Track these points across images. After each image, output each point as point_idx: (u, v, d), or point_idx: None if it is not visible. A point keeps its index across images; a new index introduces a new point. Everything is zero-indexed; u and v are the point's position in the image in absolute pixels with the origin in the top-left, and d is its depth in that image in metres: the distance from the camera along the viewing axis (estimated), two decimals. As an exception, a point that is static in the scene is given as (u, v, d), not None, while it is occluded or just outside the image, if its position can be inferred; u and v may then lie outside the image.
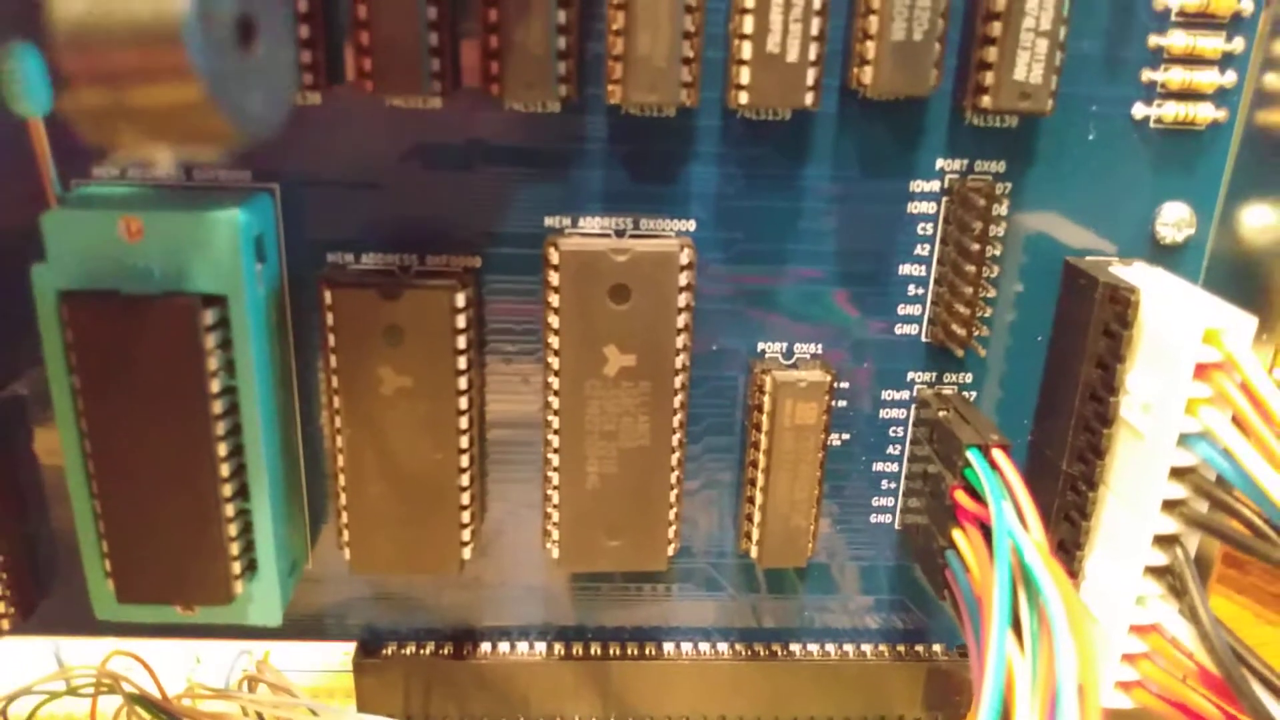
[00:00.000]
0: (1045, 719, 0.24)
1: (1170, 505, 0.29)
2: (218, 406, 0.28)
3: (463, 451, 0.31)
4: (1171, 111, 0.31)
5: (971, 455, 0.30)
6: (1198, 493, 0.28)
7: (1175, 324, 0.28)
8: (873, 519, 0.36)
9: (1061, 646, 0.24)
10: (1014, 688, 0.25)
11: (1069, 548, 0.32)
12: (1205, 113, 0.31)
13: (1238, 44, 0.30)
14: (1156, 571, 0.30)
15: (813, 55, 0.28)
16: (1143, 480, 0.29)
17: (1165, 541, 0.29)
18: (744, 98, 0.28)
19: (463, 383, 0.30)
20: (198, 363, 0.27)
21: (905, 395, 0.34)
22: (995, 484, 0.29)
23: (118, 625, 0.32)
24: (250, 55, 0.18)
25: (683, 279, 0.30)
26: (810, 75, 0.28)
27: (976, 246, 0.30)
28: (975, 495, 0.30)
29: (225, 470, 0.29)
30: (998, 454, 0.30)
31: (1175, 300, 0.29)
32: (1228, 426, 0.27)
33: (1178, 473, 0.28)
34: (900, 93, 0.29)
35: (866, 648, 0.38)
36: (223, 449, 0.28)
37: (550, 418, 0.31)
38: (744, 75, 0.28)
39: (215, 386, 0.28)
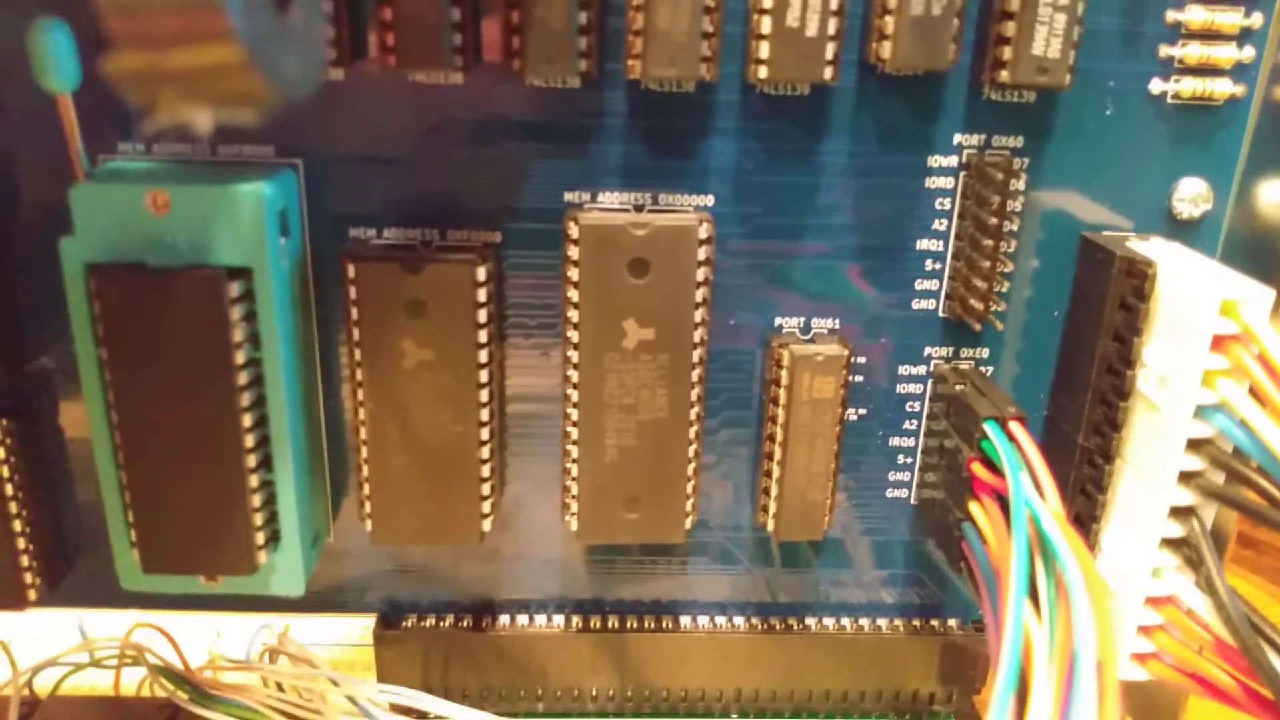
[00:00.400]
0: (1062, 687, 0.24)
1: (1187, 477, 0.29)
2: (242, 378, 0.28)
3: (483, 424, 0.31)
4: (1189, 87, 0.31)
5: (989, 427, 0.30)
6: (1214, 464, 0.29)
7: (1192, 296, 0.28)
8: (889, 494, 0.36)
9: (1080, 613, 0.24)
10: (1032, 657, 0.25)
11: (1085, 521, 0.32)
12: (1223, 88, 0.31)
13: (1256, 19, 0.30)
14: (1172, 544, 0.30)
15: (832, 30, 0.28)
16: (1159, 453, 0.29)
17: (1181, 513, 0.29)
18: (763, 72, 0.28)
19: (483, 356, 0.30)
20: (223, 334, 0.28)
21: (922, 370, 0.34)
22: (1012, 455, 0.29)
23: (141, 597, 0.32)
24: (286, 19, 0.18)
25: (701, 253, 0.30)
26: (829, 50, 0.28)
27: (994, 221, 0.31)
28: (992, 467, 0.30)
29: (250, 441, 0.29)
30: (1014, 426, 0.30)
31: (1192, 273, 0.29)
32: (1245, 398, 0.27)
33: (1194, 445, 0.28)
34: (919, 67, 0.29)
35: (882, 622, 0.38)
36: (247, 420, 0.29)
37: (569, 391, 0.31)
38: (763, 50, 0.28)
39: (240, 358, 0.28)
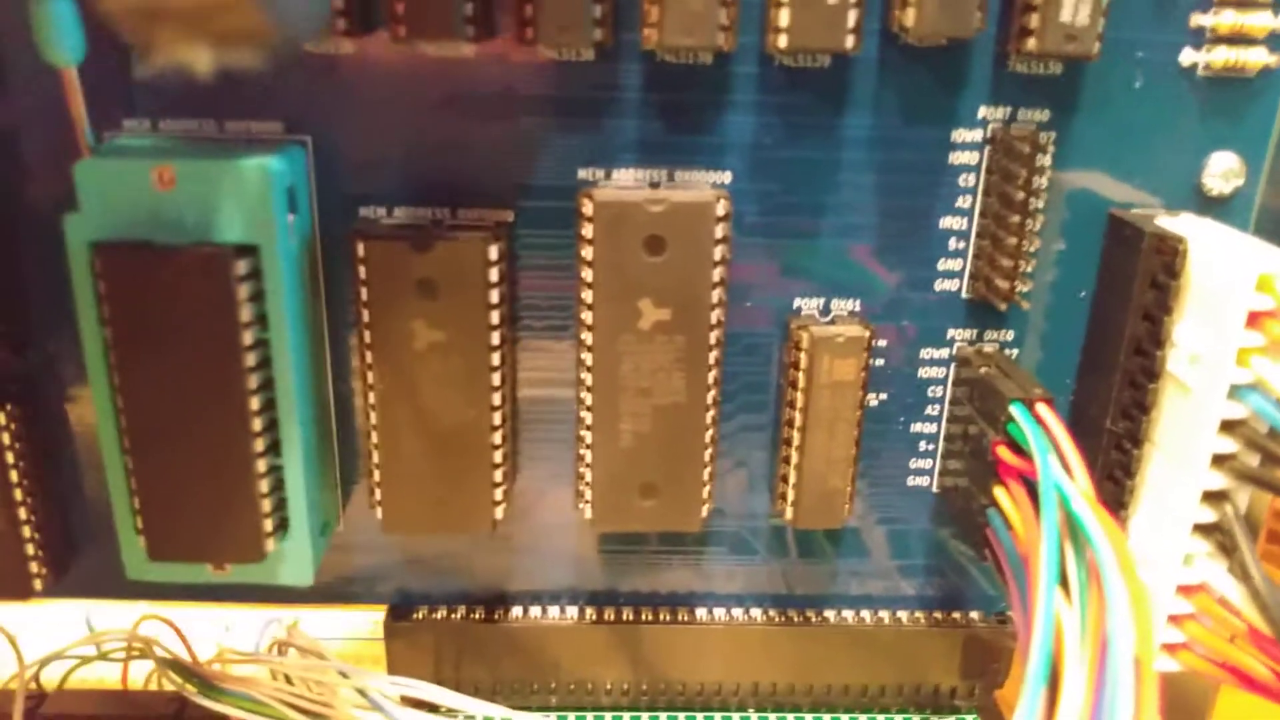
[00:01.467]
0: (1095, 678, 0.23)
1: (1220, 460, 0.28)
2: (250, 359, 0.28)
3: (495, 408, 0.30)
4: (1221, 57, 0.30)
5: (1015, 409, 0.29)
6: (1249, 446, 0.28)
7: (1226, 271, 0.27)
8: (909, 481, 0.35)
9: (1114, 597, 0.23)
10: (1063, 647, 0.24)
11: (1113, 507, 0.31)
12: (1256, 58, 0.30)
13: (1291, -14, 0.29)
14: (1204, 529, 0.29)
15: (854, -4, 0.27)
16: (1191, 435, 0.28)
17: (1214, 498, 0.29)
18: (783, 41, 0.28)
19: (496, 337, 0.30)
20: (230, 314, 0.27)
21: (945, 354, 0.33)
22: (1040, 437, 0.28)
23: (149, 587, 0.31)
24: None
25: (719, 231, 0.29)
26: (851, 18, 0.27)
27: (1021, 196, 0.30)
28: (1018, 451, 0.29)
29: (258, 425, 0.28)
30: (1041, 407, 0.29)
31: (1225, 248, 0.28)
32: (1281, 376, 0.26)
33: (1228, 426, 0.28)
34: (944, 35, 0.28)
35: (902, 614, 0.37)
36: (255, 403, 0.28)
37: (583, 374, 0.31)
38: (783, 17, 0.27)
39: (248, 339, 0.28)
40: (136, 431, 0.28)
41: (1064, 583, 0.25)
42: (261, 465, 0.29)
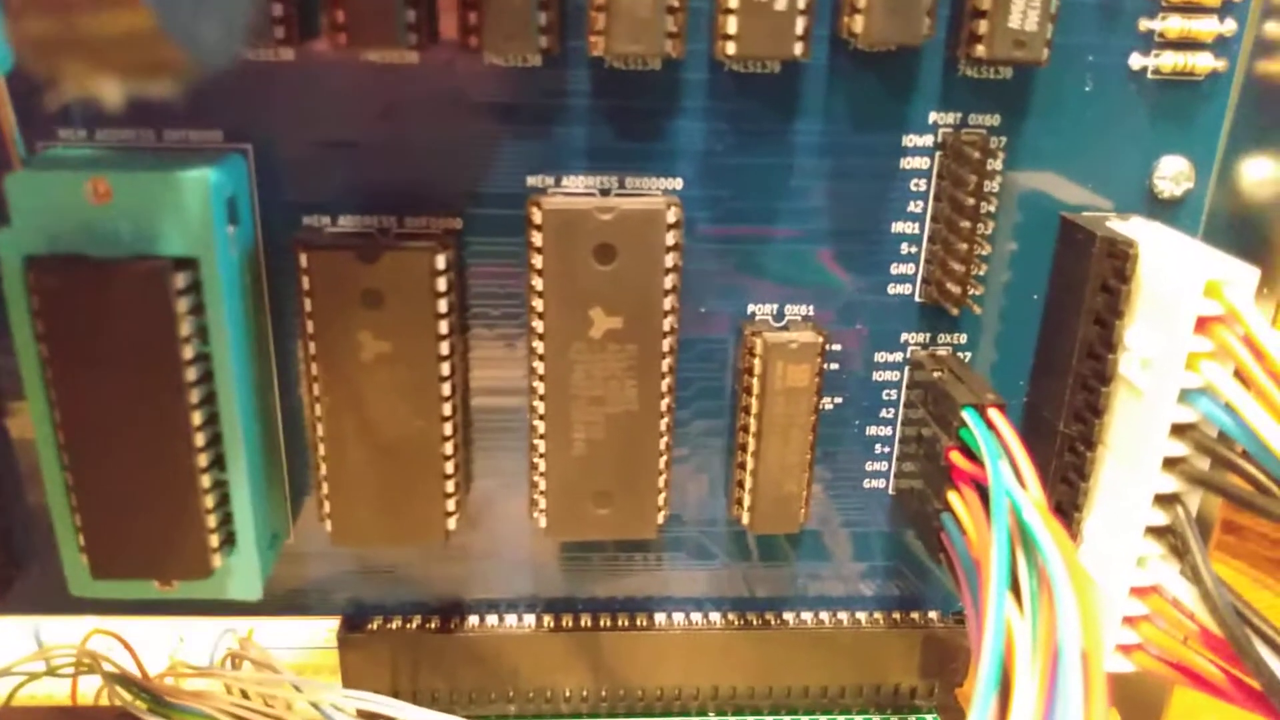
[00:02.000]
0: (1047, 682, 0.23)
1: (1171, 463, 0.28)
2: (191, 373, 0.27)
3: (446, 419, 0.30)
4: (1170, 61, 0.30)
5: (967, 415, 0.29)
6: (1199, 450, 0.28)
7: (1175, 277, 0.27)
8: (866, 484, 0.35)
9: (1063, 606, 0.23)
10: (1014, 650, 0.24)
11: (1067, 510, 0.31)
12: (1204, 62, 0.30)
13: (1237, -9, 0.29)
14: (1157, 532, 0.29)
15: (802, 4, 0.27)
16: (1143, 438, 0.28)
17: (1166, 500, 0.29)
18: (731, 48, 0.27)
19: (444, 347, 0.29)
20: (169, 328, 0.26)
21: (899, 357, 0.33)
22: (992, 444, 0.28)
23: (97, 603, 0.31)
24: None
25: (670, 238, 0.29)
26: (800, 24, 0.27)
27: (971, 201, 0.30)
28: (971, 456, 0.29)
29: (200, 440, 0.28)
30: (994, 413, 0.29)
31: (1175, 253, 0.28)
32: (1230, 381, 0.26)
33: (1178, 429, 0.28)
34: (892, 42, 0.28)
35: (861, 615, 0.37)
36: (197, 418, 0.28)
37: (535, 383, 0.30)
38: (731, 24, 0.27)
39: (188, 353, 0.27)
40: (76, 448, 0.28)
41: (1015, 588, 0.25)
42: (206, 480, 0.28)
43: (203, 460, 0.28)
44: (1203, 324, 0.27)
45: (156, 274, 0.26)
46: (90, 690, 0.37)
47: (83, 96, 0.16)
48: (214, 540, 0.29)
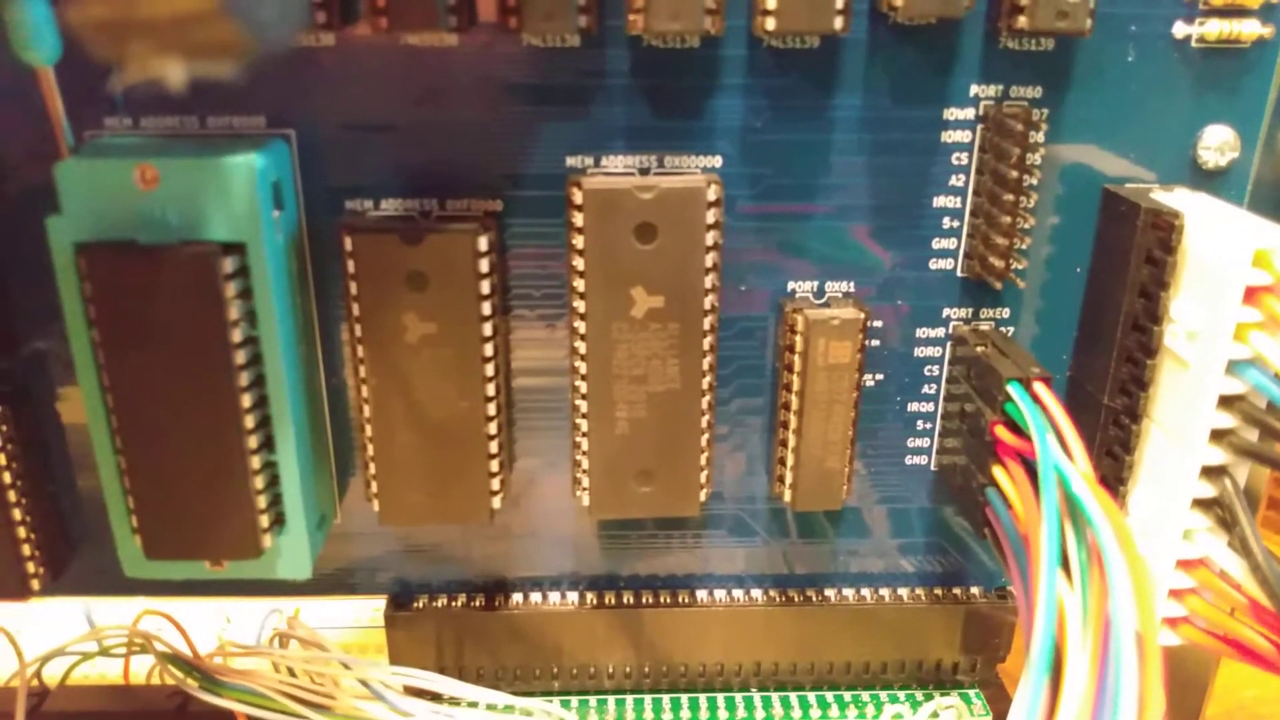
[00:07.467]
0: (1098, 659, 0.23)
1: (1218, 435, 0.28)
2: (240, 357, 0.28)
3: (490, 399, 0.30)
4: (1215, 29, 0.29)
5: (1012, 389, 0.29)
6: (1247, 421, 0.28)
7: (1222, 247, 0.27)
8: (908, 460, 0.35)
9: (1116, 578, 0.23)
10: (1065, 624, 0.24)
11: (1112, 484, 0.31)
12: (1251, 29, 0.29)
13: (1285, -46, 0.29)
14: (1204, 504, 0.29)
15: (842, -24, 0.27)
16: (1189, 410, 0.28)
17: (1213, 473, 0.29)
18: (771, 23, 0.27)
19: (487, 328, 0.30)
20: (218, 312, 0.27)
21: (941, 333, 0.33)
22: (1038, 417, 0.28)
23: (148, 584, 0.31)
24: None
25: (710, 216, 0.29)
26: (839, -2, 0.27)
27: (1014, 174, 0.29)
28: (1016, 430, 0.29)
29: (250, 422, 0.28)
30: (1039, 386, 0.29)
31: (1221, 223, 0.28)
32: (1279, 351, 0.26)
33: (1226, 401, 0.28)
34: (933, 14, 0.28)
35: (902, 591, 0.37)
36: (247, 400, 0.28)
37: (577, 363, 0.31)
38: (770, 0, 0.27)
39: (237, 336, 0.27)
40: (128, 431, 0.28)
41: (1064, 564, 0.25)
42: (255, 461, 0.29)
43: (253, 442, 0.28)
44: (1251, 294, 0.26)
45: (205, 259, 0.26)
46: (141, 670, 0.38)
47: (145, 78, 0.16)
48: (264, 520, 0.29)
